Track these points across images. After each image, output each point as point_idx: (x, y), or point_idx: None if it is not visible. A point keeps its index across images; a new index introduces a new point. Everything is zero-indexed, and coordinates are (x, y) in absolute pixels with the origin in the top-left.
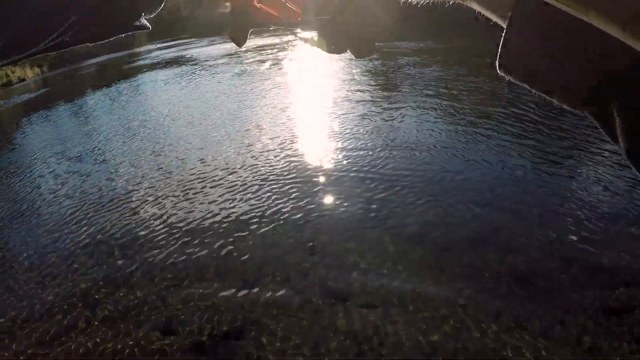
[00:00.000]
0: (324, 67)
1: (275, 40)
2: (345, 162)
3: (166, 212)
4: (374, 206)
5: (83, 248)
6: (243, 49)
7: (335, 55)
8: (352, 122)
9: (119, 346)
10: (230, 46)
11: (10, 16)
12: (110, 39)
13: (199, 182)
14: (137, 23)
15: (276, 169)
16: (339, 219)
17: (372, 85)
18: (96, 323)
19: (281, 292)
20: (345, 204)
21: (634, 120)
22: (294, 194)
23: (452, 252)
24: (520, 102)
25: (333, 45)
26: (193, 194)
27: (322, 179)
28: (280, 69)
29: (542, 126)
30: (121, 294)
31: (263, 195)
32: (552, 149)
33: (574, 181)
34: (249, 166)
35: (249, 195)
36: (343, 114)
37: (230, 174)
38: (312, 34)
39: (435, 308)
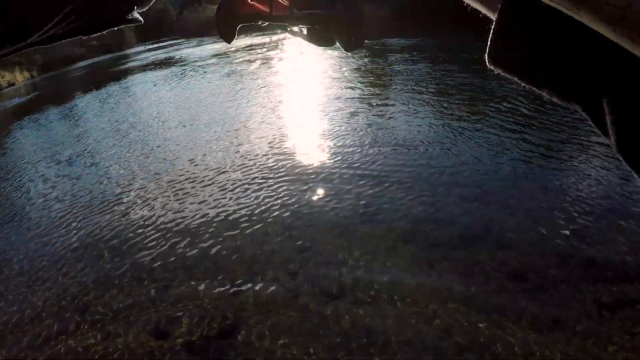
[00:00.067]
0: (314, 66)
1: (265, 39)
2: (334, 159)
3: (156, 213)
4: (364, 203)
5: (73, 251)
6: (232, 48)
7: (324, 52)
8: (342, 119)
9: (110, 349)
10: (220, 46)
11: (1, 8)
12: (103, 32)
13: (189, 183)
14: (130, 16)
15: (266, 168)
16: (329, 216)
17: (362, 83)
18: (86, 326)
19: (271, 291)
20: (335, 201)
21: (625, 113)
22: (284, 193)
23: (442, 248)
24: (510, 96)
25: (322, 38)
26: (183, 194)
27: (311, 177)
28: (269, 68)
29: (531, 120)
30: (111, 296)
31: (252, 195)
32: (542, 142)
33: (565, 175)
34: (239, 166)
35: (238, 194)
36: (332, 112)
37: (220, 174)
38: (302, 28)
39: (425, 304)
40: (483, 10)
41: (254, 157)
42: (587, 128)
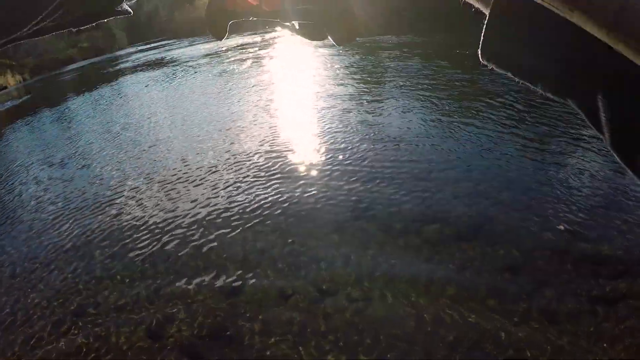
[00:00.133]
0: (305, 64)
1: (256, 38)
2: (326, 157)
3: (148, 213)
4: (355, 199)
5: (65, 253)
6: (223, 48)
7: (316, 51)
8: (333, 117)
9: (102, 350)
10: (211, 46)
11: None
12: (93, 25)
13: (181, 183)
14: (119, 8)
15: (257, 166)
16: (320, 213)
17: (353, 80)
18: (78, 327)
19: (262, 288)
20: (327, 198)
21: (619, 110)
22: (275, 191)
23: (435, 244)
24: (501, 92)
25: (314, 32)
26: (175, 194)
27: (303, 175)
28: (260, 67)
29: (523, 114)
30: (103, 297)
31: (245, 193)
32: (534, 137)
33: (558, 169)
34: (231, 164)
35: (230, 193)
36: (324, 110)
37: (212, 173)
38: (293, 22)
39: (417, 299)
40: (476, 4)
41: (245, 156)
42: (578, 122)
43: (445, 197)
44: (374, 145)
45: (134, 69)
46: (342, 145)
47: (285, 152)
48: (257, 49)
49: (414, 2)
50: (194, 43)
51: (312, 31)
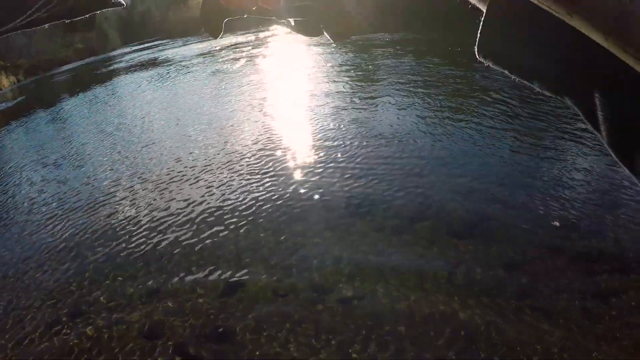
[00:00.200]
0: (298, 63)
1: (250, 37)
2: (320, 154)
3: (142, 212)
4: (350, 196)
5: (58, 253)
6: (217, 47)
7: (309, 49)
8: (327, 115)
9: (95, 350)
10: (204, 45)
11: None
12: (85, 16)
13: (175, 182)
14: (112, 0)
15: (251, 164)
16: (315, 210)
17: (347, 78)
18: (71, 326)
19: (255, 286)
20: (321, 195)
21: (617, 110)
22: (269, 189)
23: (430, 240)
24: (495, 88)
25: (310, 29)
26: (169, 193)
27: (296, 173)
28: (254, 66)
29: (518, 110)
30: (95, 297)
31: (238, 191)
32: (529, 132)
33: (553, 164)
34: (225, 163)
35: (224, 191)
36: (318, 108)
37: (207, 172)
38: (289, 19)
39: (412, 294)
40: (473, 1)
41: (239, 155)
42: (572, 117)
43: (440, 194)
44: (367, 142)
45: (128, 69)
46: (335, 143)
47: (278, 151)
48: (250, 47)
49: (410, 1)
50: (188, 43)
51: (308, 28)
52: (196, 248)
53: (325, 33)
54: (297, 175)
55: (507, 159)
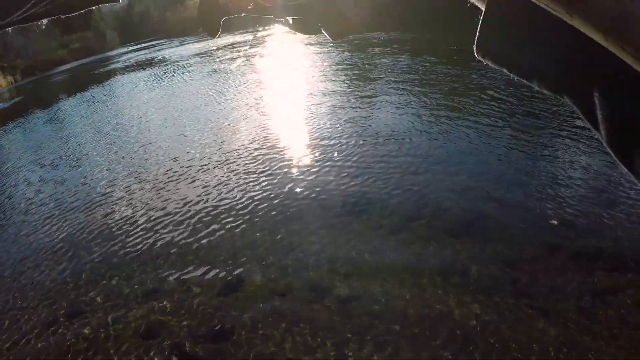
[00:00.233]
0: (296, 62)
1: (247, 37)
2: (317, 153)
3: (139, 212)
4: (346, 195)
5: (55, 253)
6: (214, 47)
7: (306, 49)
8: (324, 114)
9: (92, 349)
10: (201, 45)
11: None
12: (82, 11)
13: (172, 181)
14: None
15: (248, 163)
16: (311, 208)
17: (344, 77)
18: (68, 326)
19: (252, 284)
20: (317, 194)
21: (616, 108)
22: (266, 188)
23: (427, 239)
24: (491, 86)
25: (308, 27)
26: (166, 192)
27: (293, 171)
28: (251, 65)
29: (514, 108)
30: (91, 297)
31: (235, 190)
32: (526, 130)
33: (551, 162)
34: (222, 162)
35: (221, 191)
36: (315, 107)
37: (203, 172)
38: (287, 18)
39: (408, 292)
40: None
41: (236, 154)
42: (569, 115)
43: (438, 192)
44: (363, 141)
45: (125, 69)
46: (332, 142)
47: (274, 150)
48: (248, 47)
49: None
50: (185, 43)
51: (306, 26)
52: (192, 247)
53: (323, 32)
54: (294, 174)
55: (504, 157)
